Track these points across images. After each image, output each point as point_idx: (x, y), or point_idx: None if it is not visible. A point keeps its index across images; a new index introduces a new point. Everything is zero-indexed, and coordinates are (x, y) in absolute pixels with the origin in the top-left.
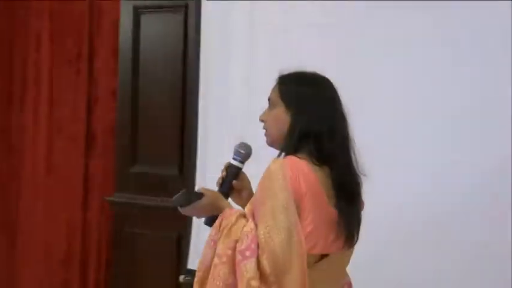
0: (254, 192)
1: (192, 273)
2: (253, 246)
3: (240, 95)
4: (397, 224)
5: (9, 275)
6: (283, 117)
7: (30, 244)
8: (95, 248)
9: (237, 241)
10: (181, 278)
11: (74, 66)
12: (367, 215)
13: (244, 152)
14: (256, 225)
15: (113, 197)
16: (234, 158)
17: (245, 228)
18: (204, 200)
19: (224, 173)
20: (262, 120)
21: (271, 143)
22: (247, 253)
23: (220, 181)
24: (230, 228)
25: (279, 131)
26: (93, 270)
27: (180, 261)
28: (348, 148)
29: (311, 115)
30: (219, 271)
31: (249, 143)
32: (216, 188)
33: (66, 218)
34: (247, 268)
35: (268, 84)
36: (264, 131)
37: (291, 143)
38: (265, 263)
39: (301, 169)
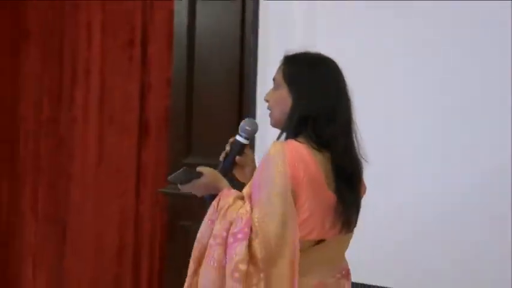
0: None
1: None
2: (246, 229)
3: None
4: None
5: (59, 269)
6: (285, 99)
7: (80, 238)
8: (148, 242)
9: (231, 223)
10: None
11: (127, 53)
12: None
13: (250, 129)
14: (251, 208)
15: (167, 188)
16: (239, 134)
17: (241, 210)
18: (202, 179)
19: (228, 148)
20: (266, 100)
21: (274, 124)
22: (239, 235)
23: (224, 156)
24: (227, 209)
25: (282, 113)
26: (146, 264)
27: None
28: (350, 132)
29: (312, 98)
30: (214, 252)
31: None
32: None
33: (118, 211)
34: (237, 251)
35: None
36: (269, 111)
37: (291, 126)
38: (257, 247)
39: (300, 153)
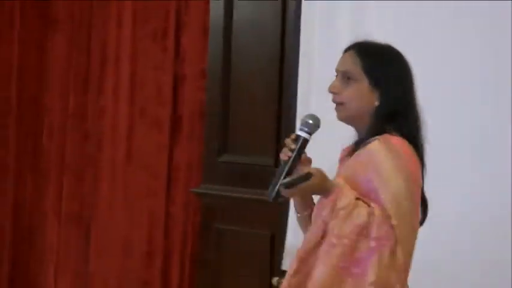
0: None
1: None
2: (384, 233)
3: None
4: None
5: (83, 273)
6: (367, 94)
7: (107, 239)
8: (179, 245)
9: (362, 226)
10: (275, 280)
11: (159, 42)
12: None
13: (312, 123)
14: (382, 209)
15: (200, 188)
16: (301, 129)
17: (376, 213)
18: (314, 180)
19: (294, 146)
20: (334, 92)
21: (346, 118)
22: (382, 242)
23: (290, 154)
24: (351, 211)
25: (361, 107)
26: (176, 269)
27: (274, 261)
28: (422, 128)
29: (398, 95)
30: (337, 251)
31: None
32: None
33: (147, 211)
34: (384, 255)
35: None
36: (335, 104)
37: (381, 122)
38: (399, 252)
39: (411, 149)
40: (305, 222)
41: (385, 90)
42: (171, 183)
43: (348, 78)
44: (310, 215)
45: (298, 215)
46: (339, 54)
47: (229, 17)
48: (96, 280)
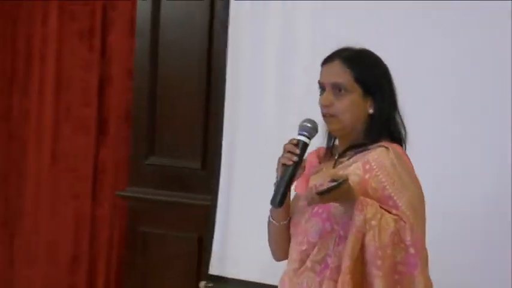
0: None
1: (214, 279)
2: (416, 238)
3: (272, 80)
4: None
5: (7, 278)
6: (361, 103)
7: (32, 243)
8: (105, 249)
9: (394, 233)
10: (202, 284)
11: (86, 42)
12: None
13: (311, 126)
14: (404, 216)
15: (126, 191)
16: (301, 134)
17: (403, 219)
18: (347, 185)
19: (298, 151)
20: (327, 106)
21: (340, 130)
22: (417, 245)
23: (295, 159)
24: (380, 220)
25: (355, 117)
26: (102, 273)
27: (201, 265)
28: (406, 131)
29: (389, 100)
30: (386, 263)
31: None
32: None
33: (73, 214)
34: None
35: (301, 73)
36: (327, 117)
37: (377, 129)
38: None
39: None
40: (281, 231)
41: (377, 97)
42: (97, 186)
43: (340, 89)
44: (288, 224)
45: (277, 224)
46: (269, 55)
47: (157, 16)
48: (21, 285)
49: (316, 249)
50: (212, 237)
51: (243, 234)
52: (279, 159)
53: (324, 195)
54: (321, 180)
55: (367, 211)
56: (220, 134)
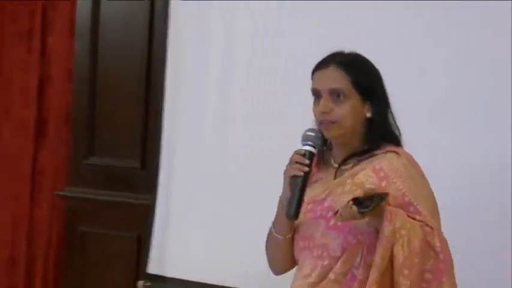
0: None
1: (152, 278)
2: (445, 242)
3: (213, 79)
4: None
5: None
6: (359, 108)
7: None
8: (43, 249)
9: (423, 240)
10: (140, 284)
11: (26, 43)
12: None
13: (314, 135)
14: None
15: (65, 191)
16: (306, 144)
17: (428, 225)
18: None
19: (308, 161)
20: (326, 112)
21: (342, 135)
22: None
23: (306, 169)
24: (410, 229)
25: (355, 123)
26: (40, 273)
27: (139, 265)
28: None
29: (385, 102)
30: (414, 271)
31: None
32: None
33: (11, 215)
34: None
35: (242, 72)
36: (325, 123)
37: (378, 133)
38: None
39: None
40: (285, 245)
41: (374, 101)
42: (36, 186)
43: (338, 95)
44: (292, 238)
45: (281, 238)
46: (210, 54)
47: (97, 16)
48: None
49: (340, 263)
50: (150, 236)
51: (182, 233)
52: (286, 172)
53: (366, 212)
54: (323, 189)
55: (396, 220)
56: (159, 134)
